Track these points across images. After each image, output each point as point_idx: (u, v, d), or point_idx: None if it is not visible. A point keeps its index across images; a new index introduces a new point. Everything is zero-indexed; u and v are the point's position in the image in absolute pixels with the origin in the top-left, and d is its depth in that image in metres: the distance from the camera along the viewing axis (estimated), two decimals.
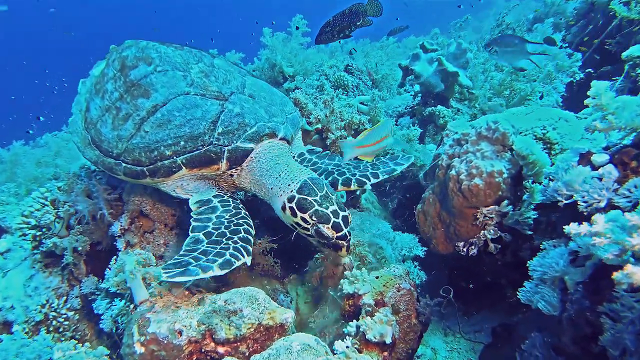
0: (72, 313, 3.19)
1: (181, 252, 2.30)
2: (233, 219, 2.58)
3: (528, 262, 1.64)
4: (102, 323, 2.82)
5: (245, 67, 5.96)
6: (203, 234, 2.44)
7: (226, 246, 2.32)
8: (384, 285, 2.52)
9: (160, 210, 3.23)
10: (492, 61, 4.73)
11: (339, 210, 2.48)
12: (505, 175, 1.84)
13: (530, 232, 1.97)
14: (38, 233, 3.41)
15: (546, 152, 2.02)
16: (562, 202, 1.57)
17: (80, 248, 3.18)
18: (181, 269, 2.07)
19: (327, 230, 2.43)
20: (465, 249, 2.08)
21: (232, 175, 2.80)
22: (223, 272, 2.11)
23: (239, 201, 2.80)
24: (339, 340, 2.15)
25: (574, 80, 4.81)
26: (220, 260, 2.16)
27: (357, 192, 3.87)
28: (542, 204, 1.97)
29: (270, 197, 2.73)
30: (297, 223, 2.54)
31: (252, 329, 2.02)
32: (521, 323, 2.16)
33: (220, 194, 2.80)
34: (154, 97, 2.73)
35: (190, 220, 2.56)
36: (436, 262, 4.07)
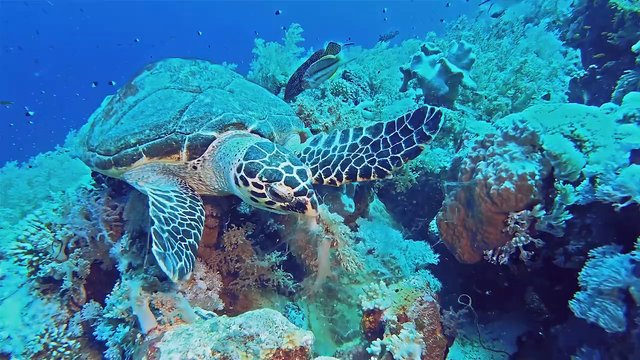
0: (74, 341, 3.02)
1: (161, 226, 2.09)
2: (187, 217, 2.32)
3: (580, 273, 1.51)
4: (107, 352, 2.65)
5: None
6: (163, 217, 2.19)
7: (180, 249, 2.08)
8: (405, 299, 2.38)
9: None
10: (495, 61, 4.66)
11: (292, 165, 2.21)
12: (537, 177, 1.72)
13: (563, 236, 1.84)
14: (35, 258, 3.25)
15: (577, 151, 1.91)
16: (617, 205, 1.45)
17: (79, 272, 3.02)
18: (162, 251, 1.90)
19: (280, 187, 2.15)
20: (495, 258, 1.95)
21: (195, 168, 2.61)
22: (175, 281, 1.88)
23: (199, 204, 2.54)
24: None
25: (578, 77, 4.73)
26: (177, 266, 1.92)
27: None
28: (575, 206, 1.86)
29: (227, 181, 2.48)
30: (253, 193, 2.27)
31: (270, 355, 1.87)
32: (561, 334, 2.02)
33: (181, 190, 2.56)
34: (139, 93, 2.80)
35: (150, 198, 2.34)
36: (448, 269, 3.95)
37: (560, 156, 1.70)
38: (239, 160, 2.31)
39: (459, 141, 2.80)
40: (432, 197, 4.10)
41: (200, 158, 2.55)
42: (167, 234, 2.09)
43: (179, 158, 2.51)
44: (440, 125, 2.27)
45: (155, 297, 1.99)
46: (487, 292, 3.38)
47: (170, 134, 2.49)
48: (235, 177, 2.32)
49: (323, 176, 2.61)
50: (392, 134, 2.52)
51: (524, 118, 1.83)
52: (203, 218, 2.44)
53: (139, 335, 2.03)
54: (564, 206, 1.82)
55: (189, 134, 2.49)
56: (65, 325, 3.12)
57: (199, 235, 2.28)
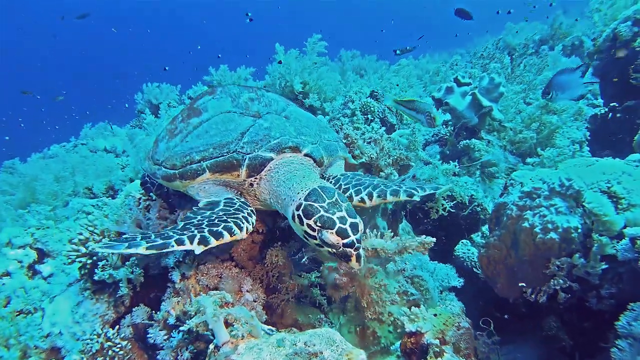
0: (125, 342, 3.24)
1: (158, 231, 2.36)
2: (224, 216, 2.52)
3: (619, 323, 1.74)
4: (161, 354, 2.89)
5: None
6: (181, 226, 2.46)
7: (191, 231, 2.33)
8: (444, 324, 2.62)
9: None
10: (522, 94, 4.90)
11: (347, 217, 2.37)
12: (579, 231, 1.96)
13: (597, 282, 2.08)
14: (89, 261, 3.46)
15: (613, 206, 2.14)
16: None
17: (134, 279, 3.25)
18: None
19: (331, 236, 2.33)
20: (534, 296, 2.19)
21: (252, 185, 2.88)
22: (148, 253, 2.11)
23: (249, 207, 2.76)
24: None
25: (598, 114, 4.96)
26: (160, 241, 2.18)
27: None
28: (609, 256, 2.09)
29: (284, 208, 2.72)
30: (305, 232, 2.47)
31: None
32: None
33: (234, 198, 2.81)
34: (203, 115, 3.09)
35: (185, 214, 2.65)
36: (468, 291, 4.17)
37: (601, 216, 1.93)
38: (300, 199, 2.52)
39: (502, 187, 3.05)
40: (457, 222, 4.33)
41: (257, 177, 2.82)
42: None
43: (238, 175, 2.79)
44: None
45: (230, 313, 2.22)
46: (505, 316, 3.61)
47: (232, 153, 2.77)
48: (293, 214, 2.53)
49: (353, 195, 2.89)
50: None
51: (569, 177, 2.06)
52: (250, 219, 2.62)
53: (211, 346, 2.26)
54: (600, 257, 2.05)
55: (249, 153, 2.76)
56: (117, 327, 3.34)
57: (233, 228, 2.42)
